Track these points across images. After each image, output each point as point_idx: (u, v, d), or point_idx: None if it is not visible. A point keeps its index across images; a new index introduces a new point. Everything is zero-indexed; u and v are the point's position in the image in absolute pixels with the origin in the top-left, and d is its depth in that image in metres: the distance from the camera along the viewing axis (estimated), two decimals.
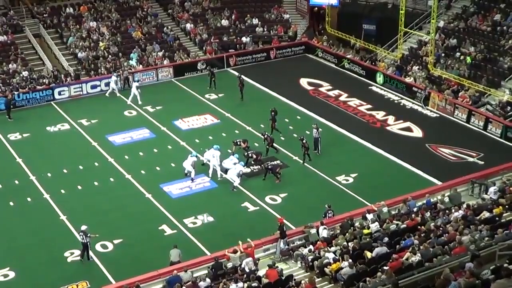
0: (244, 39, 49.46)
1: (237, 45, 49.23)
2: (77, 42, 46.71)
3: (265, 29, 51.19)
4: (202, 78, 44.44)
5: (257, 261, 24.15)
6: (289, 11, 53.84)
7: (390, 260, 21.79)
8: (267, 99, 41.68)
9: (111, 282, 24.34)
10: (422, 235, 23.76)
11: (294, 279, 22.16)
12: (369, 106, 40.13)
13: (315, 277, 22.58)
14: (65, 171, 33.05)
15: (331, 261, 23.02)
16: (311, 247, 24.78)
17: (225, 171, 31.88)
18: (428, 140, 35.62)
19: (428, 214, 26.29)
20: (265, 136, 34.26)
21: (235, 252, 24.41)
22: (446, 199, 28.08)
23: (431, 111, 39.30)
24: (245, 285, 21.77)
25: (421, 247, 22.39)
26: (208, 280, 22.69)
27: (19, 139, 36.84)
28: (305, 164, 33.00)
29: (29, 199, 30.61)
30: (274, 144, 34.34)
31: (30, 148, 35.77)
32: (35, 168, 33.28)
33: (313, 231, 25.95)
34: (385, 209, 27.36)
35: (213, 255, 24.58)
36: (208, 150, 32.88)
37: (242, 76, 41.71)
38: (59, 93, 42.09)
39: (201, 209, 29.39)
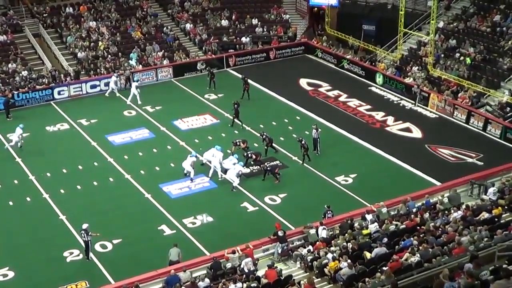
0: (243, 39, 49.46)
1: (237, 46, 49.24)
2: (76, 42, 46.71)
3: (265, 30, 51.18)
4: (202, 78, 44.44)
5: (256, 262, 24.17)
6: (288, 12, 53.83)
7: (389, 261, 21.81)
8: (266, 99, 41.70)
9: (110, 282, 24.35)
10: (421, 235, 23.77)
11: (293, 279, 22.16)
12: (368, 106, 40.15)
13: (314, 277, 22.60)
14: (64, 171, 33.05)
15: (331, 261, 23.01)
16: (310, 247, 24.79)
17: (225, 171, 31.89)
18: (428, 141, 35.64)
19: (427, 214, 26.29)
20: (264, 136, 34.25)
21: (234, 252, 24.41)
22: (445, 200, 28.08)
23: (430, 111, 39.32)
24: (244, 285, 21.79)
25: (420, 247, 22.41)
26: (207, 280, 22.69)
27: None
28: (305, 164, 33.00)
29: (28, 198, 30.61)
30: (274, 144, 34.34)
31: (30, 147, 35.73)
32: (34, 168, 33.28)
33: (312, 231, 25.96)
34: (384, 210, 27.37)
35: (212, 255, 24.58)
36: (208, 150, 32.90)
37: (247, 78, 41.67)
38: (59, 93, 42.09)
39: (200, 209, 29.40)
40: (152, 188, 31.24)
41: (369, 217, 26.52)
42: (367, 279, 20.87)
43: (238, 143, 33.91)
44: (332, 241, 24.72)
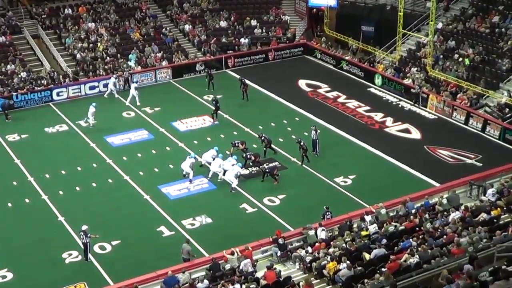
0: (242, 40, 49.47)
1: (236, 47, 49.25)
2: (75, 43, 46.71)
3: (264, 31, 51.20)
4: (201, 79, 44.43)
5: (255, 263, 24.16)
6: (287, 13, 53.84)
7: (388, 262, 21.80)
8: (265, 100, 41.69)
9: (109, 284, 24.35)
10: (420, 236, 23.77)
11: (293, 281, 22.16)
12: (367, 107, 40.15)
13: (313, 278, 22.60)
14: (63, 172, 33.04)
15: (329, 261, 23.02)
16: (309, 248, 24.78)
17: (223, 172, 31.87)
18: (427, 142, 35.64)
19: (426, 215, 26.29)
20: (262, 137, 34.25)
21: (232, 253, 24.40)
22: (444, 201, 28.05)
23: (429, 112, 39.34)
24: (243, 286, 21.76)
25: (419, 248, 22.40)
26: (206, 281, 22.68)
27: (17, 140, 36.82)
28: (304, 165, 32.99)
29: (27, 200, 30.59)
30: (272, 146, 34.33)
31: (29, 149, 35.73)
32: (33, 169, 33.26)
33: (312, 232, 25.94)
34: (383, 211, 27.34)
35: (211, 257, 24.56)
36: (207, 151, 32.89)
37: (244, 79, 41.69)
38: (58, 94, 42.07)
39: (199, 210, 29.38)
40: (151, 189, 31.23)
41: (368, 218, 26.51)
42: (366, 280, 20.86)
43: (236, 144, 33.91)
44: (331, 242, 24.71)
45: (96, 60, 45.60)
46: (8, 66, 43.61)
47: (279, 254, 25.18)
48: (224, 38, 49.81)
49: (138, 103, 40.65)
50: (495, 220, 25.01)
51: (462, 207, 26.78)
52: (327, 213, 27.33)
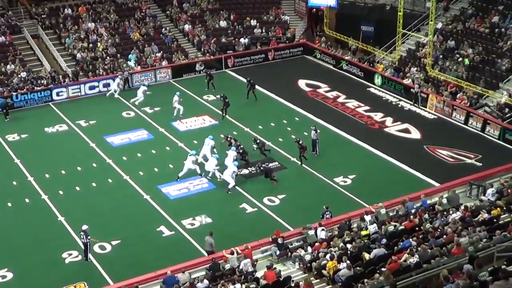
0: (242, 40, 49.48)
1: (235, 47, 49.26)
2: (75, 43, 46.72)
3: (263, 31, 51.22)
4: (200, 79, 44.42)
5: (255, 263, 24.17)
6: (287, 13, 53.87)
7: (388, 262, 21.80)
8: (265, 100, 41.68)
9: (109, 283, 24.37)
10: (420, 236, 23.78)
11: (293, 281, 22.17)
12: (367, 107, 40.17)
13: (312, 278, 22.60)
14: (63, 172, 33.05)
15: (329, 260, 23.03)
16: (309, 248, 24.79)
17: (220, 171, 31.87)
18: (426, 142, 35.66)
19: (426, 215, 26.31)
20: (257, 141, 34.06)
21: (232, 253, 24.41)
22: (444, 201, 28.09)
23: (429, 112, 39.36)
24: (243, 286, 21.77)
25: (419, 248, 22.40)
26: (206, 281, 22.68)
27: (17, 140, 36.83)
28: (303, 165, 33.00)
29: (27, 200, 30.60)
30: (265, 150, 34.04)
31: (28, 149, 35.75)
32: (33, 169, 33.26)
33: (311, 232, 25.96)
34: (383, 211, 27.37)
35: (211, 256, 24.57)
36: (202, 147, 32.93)
37: (253, 80, 41.73)
38: (57, 94, 42.08)
39: (199, 210, 29.40)
40: (151, 189, 31.24)
41: (368, 218, 26.52)
42: (365, 280, 20.84)
43: (229, 139, 33.78)
44: (331, 242, 24.72)
45: (96, 60, 45.61)
46: (8, 66, 43.63)
47: (278, 253, 25.19)
48: (223, 38, 49.82)
49: (136, 103, 40.62)
50: (495, 220, 25.01)
51: (462, 207, 26.79)
52: (327, 213, 27.35)
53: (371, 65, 45.46)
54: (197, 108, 40.38)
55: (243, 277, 22.73)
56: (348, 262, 22.13)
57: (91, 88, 43.09)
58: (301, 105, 40.57)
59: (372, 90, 43.38)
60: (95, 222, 27.89)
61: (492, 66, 40.41)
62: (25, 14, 49.04)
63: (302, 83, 44.38)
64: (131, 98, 41.49)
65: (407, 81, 42.03)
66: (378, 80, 43.72)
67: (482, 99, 38.69)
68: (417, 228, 24.97)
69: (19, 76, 42.80)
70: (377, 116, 38.92)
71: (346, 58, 47.04)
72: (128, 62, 45.50)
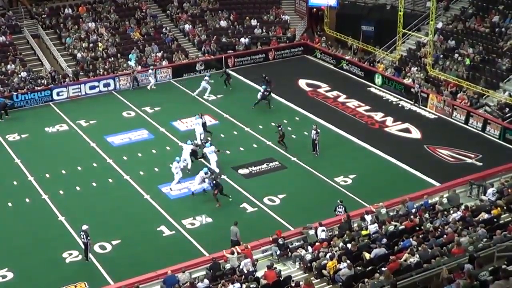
0: (242, 40, 49.48)
1: (235, 46, 49.26)
2: (75, 43, 46.72)
3: (264, 30, 51.22)
4: (201, 79, 44.29)
5: (256, 262, 24.16)
6: (287, 12, 53.86)
7: (389, 262, 21.81)
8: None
9: (110, 283, 24.34)
10: (420, 236, 23.78)
11: (293, 280, 22.17)
12: (367, 107, 40.16)
13: (313, 278, 22.60)
14: (63, 172, 33.05)
15: (329, 259, 23.03)
16: (309, 248, 24.79)
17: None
18: (427, 142, 35.65)
19: (426, 215, 26.31)
20: (280, 128, 34.48)
21: (232, 253, 24.40)
22: (445, 200, 28.10)
23: (429, 112, 39.36)
24: (244, 286, 21.77)
25: (420, 248, 22.41)
26: (206, 281, 22.67)
27: (17, 139, 36.84)
28: (302, 163, 32.98)
29: (27, 199, 30.60)
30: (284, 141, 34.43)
31: (29, 149, 35.75)
32: (33, 169, 33.26)
33: (312, 232, 25.94)
34: (383, 210, 27.37)
35: (211, 256, 24.57)
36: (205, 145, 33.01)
37: (227, 70, 43.22)
38: (58, 94, 42.08)
39: (199, 210, 29.39)
40: (151, 189, 31.23)
41: (368, 217, 26.52)
42: (366, 280, 20.85)
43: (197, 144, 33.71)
44: (331, 242, 24.72)
45: (96, 60, 45.61)
46: (8, 66, 43.63)
47: (278, 253, 25.20)
48: (224, 38, 49.81)
49: (205, 96, 41.71)
50: (495, 220, 25.02)
51: (462, 207, 26.79)
52: (339, 206, 27.35)
53: (372, 64, 45.44)
54: (197, 108, 40.25)
55: (243, 277, 22.73)
56: (348, 261, 22.13)
57: (92, 88, 43.10)
58: (301, 104, 40.56)
59: (372, 89, 43.37)
60: (96, 222, 27.90)
61: (492, 66, 40.41)
62: (26, 14, 49.04)
63: (302, 82, 44.37)
64: (139, 96, 41.75)
65: (407, 81, 42.02)
66: (378, 80, 43.70)
67: (482, 98, 38.69)
68: (417, 228, 24.98)
69: (20, 76, 42.81)
70: (378, 116, 38.91)
71: (347, 57, 47.03)
72: (129, 62, 45.50)
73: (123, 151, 35.09)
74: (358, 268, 22.11)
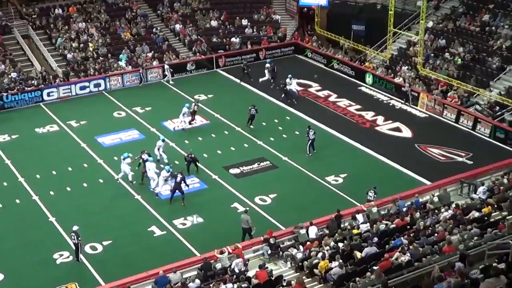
0: (233, 39, 49.43)
1: (227, 46, 49.22)
2: (66, 43, 46.55)
3: (255, 30, 51.19)
4: (191, 79, 44.39)
5: (247, 262, 24.14)
6: (278, 12, 53.86)
7: (380, 260, 21.83)
8: (256, 99, 41.58)
9: (101, 284, 24.29)
10: (411, 235, 23.81)
11: (284, 280, 22.16)
12: (358, 106, 40.19)
13: (304, 277, 22.59)
14: (54, 172, 32.93)
15: (321, 260, 23.02)
16: (300, 247, 24.78)
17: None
18: (417, 140, 35.71)
19: (417, 214, 26.34)
20: (189, 156, 32.44)
21: (222, 252, 24.36)
22: (435, 199, 28.17)
23: (420, 111, 39.43)
24: (235, 286, 21.74)
25: (411, 247, 22.43)
26: (197, 281, 22.63)
27: (7, 140, 36.69)
28: (293, 162, 32.97)
29: (17, 200, 30.47)
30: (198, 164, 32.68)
31: (19, 149, 35.61)
32: (23, 170, 33.13)
33: (303, 231, 25.95)
34: (374, 209, 27.42)
35: (203, 256, 24.53)
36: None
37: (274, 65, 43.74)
38: (48, 95, 41.93)
39: (190, 210, 29.34)
40: (142, 189, 31.14)
41: (359, 216, 26.54)
42: (357, 278, 20.88)
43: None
44: (322, 241, 24.72)
45: (87, 60, 45.47)
46: None
47: (269, 252, 25.18)
48: (215, 38, 49.75)
49: (266, 77, 42.95)
50: (486, 218, 25.10)
51: (453, 205, 26.82)
52: (370, 191, 27.71)
53: (362, 64, 45.48)
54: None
55: (234, 276, 22.70)
56: (340, 260, 22.14)
57: (82, 88, 42.94)
58: (292, 104, 40.52)
59: (363, 89, 43.41)
60: (86, 222, 27.83)
61: (482, 65, 40.54)
62: (16, 14, 48.83)
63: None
64: (130, 96, 41.93)
65: (398, 80, 42.07)
66: (369, 79, 43.75)
67: (473, 97, 38.80)
68: (408, 227, 25.01)
69: (10, 76, 42.60)
70: (368, 115, 38.95)
71: (337, 57, 47.05)
72: (119, 62, 45.37)
73: (114, 151, 34.89)
74: (349, 267, 22.11)
